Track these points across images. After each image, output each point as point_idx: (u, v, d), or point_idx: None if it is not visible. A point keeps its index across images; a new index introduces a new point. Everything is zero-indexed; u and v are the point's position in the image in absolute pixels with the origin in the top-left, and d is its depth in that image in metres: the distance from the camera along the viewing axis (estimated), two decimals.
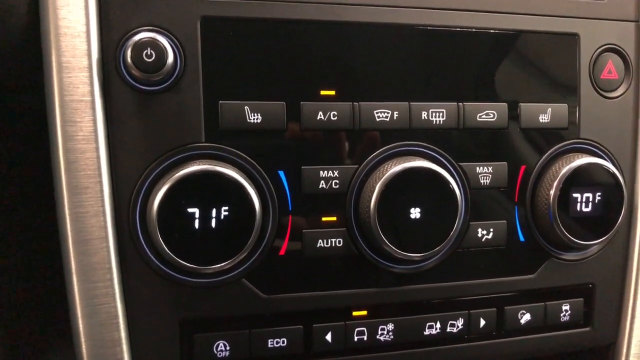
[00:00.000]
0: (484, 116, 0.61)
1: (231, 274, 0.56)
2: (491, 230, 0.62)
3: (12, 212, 0.68)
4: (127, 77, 0.52)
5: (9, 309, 0.70)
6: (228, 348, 0.57)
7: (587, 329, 0.68)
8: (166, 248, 0.52)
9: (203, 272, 0.54)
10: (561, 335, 0.67)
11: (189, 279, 0.55)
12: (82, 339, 0.54)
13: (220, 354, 0.57)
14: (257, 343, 0.58)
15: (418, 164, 0.58)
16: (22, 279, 0.71)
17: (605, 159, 0.64)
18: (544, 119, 0.64)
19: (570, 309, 0.66)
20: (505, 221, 0.63)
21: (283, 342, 0.58)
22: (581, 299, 0.67)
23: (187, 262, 0.53)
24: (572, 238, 0.62)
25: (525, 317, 0.65)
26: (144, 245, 0.54)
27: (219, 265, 0.53)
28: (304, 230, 0.58)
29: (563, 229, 0.62)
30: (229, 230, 0.54)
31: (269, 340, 0.58)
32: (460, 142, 0.61)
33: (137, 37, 0.52)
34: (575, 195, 0.63)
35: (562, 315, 0.66)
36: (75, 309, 0.53)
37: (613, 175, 0.63)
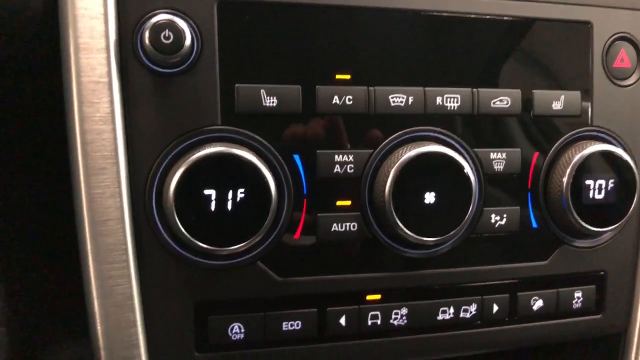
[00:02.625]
0: (497, 102, 0.62)
1: (246, 256, 0.56)
2: (504, 216, 0.62)
3: (28, 194, 0.68)
4: (144, 58, 0.52)
5: (23, 295, 0.70)
6: (243, 330, 0.57)
7: (599, 316, 0.68)
8: (182, 229, 0.52)
9: (218, 254, 0.54)
10: (573, 322, 0.67)
11: (204, 260, 0.55)
12: (97, 320, 0.54)
13: (235, 337, 0.57)
14: (272, 326, 0.58)
15: (433, 149, 0.58)
16: (37, 263, 0.71)
17: (617, 147, 0.64)
18: (557, 106, 0.64)
19: (582, 296, 0.66)
20: (518, 207, 0.63)
21: (297, 325, 0.58)
22: (593, 286, 0.67)
23: (203, 244, 0.53)
24: (584, 225, 0.62)
25: (538, 304, 0.65)
26: (160, 227, 0.54)
27: (234, 247, 0.53)
28: (318, 214, 0.58)
29: (576, 215, 0.62)
30: (244, 213, 0.54)
31: (284, 323, 0.58)
32: (475, 128, 0.61)
33: (155, 19, 0.52)
34: (588, 182, 0.63)
35: (574, 302, 0.66)
36: (90, 290, 0.54)
37: (625, 162, 0.63)
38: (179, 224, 0.52)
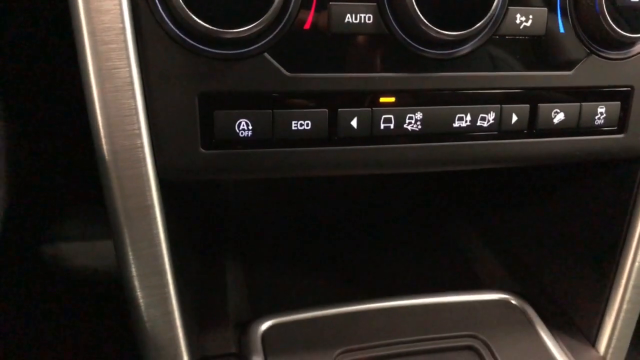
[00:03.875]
0: None
1: (253, 46, 0.52)
2: (530, 17, 0.57)
3: None
4: None
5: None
6: (250, 127, 0.54)
7: (621, 135, 0.65)
8: (182, 3, 0.47)
9: (222, 36, 0.49)
10: (593, 140, 0.64)
11: (208, 48, 0.51)
12: (97, 105, 0.51)
13: (242, 133, 0.54)
14: (281, 124, 0.55)
15: None
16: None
17: None
18: None
19: (606, 112, 0.63)
20: (545, 9, 0.58)
21: (307, 124, 0.55)
22: (618, 102, 0.63)
23: (205, 23, 0.49)
24: (618, 30, 0.58)
25: (559, 117, 0.62)
26: (158, 4, 0.49)
27: (238, 30, 0.49)
28: (331, 2, 0.53)
29: (609, 20, 0.58)
30: None
31: (293, 122, 0.55)
32: None
33: None
34: None
35: (596, 117, 0.63)
36: (88, 74, 0.50)
37: None
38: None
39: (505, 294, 0.81)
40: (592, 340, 0.77)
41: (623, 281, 0.73)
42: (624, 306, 0.73)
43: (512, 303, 0.80)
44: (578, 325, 0.79)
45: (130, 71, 0.50)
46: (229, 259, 0.89)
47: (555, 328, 0.77)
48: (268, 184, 1.07)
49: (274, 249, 0.97)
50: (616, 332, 0.74)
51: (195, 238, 0.82)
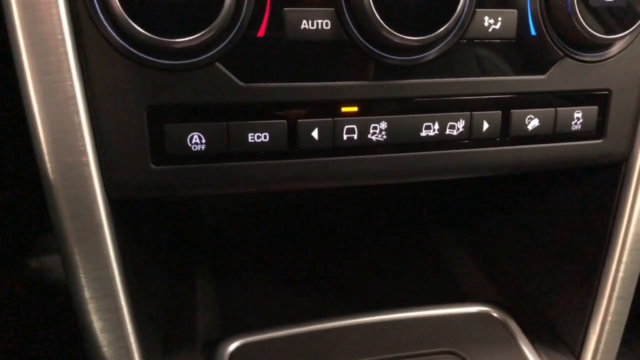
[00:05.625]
0: None
1: (203, 56, 0.49)
2: (499, 19, 0.55)
3: None
4: None
5: None
6: (204, 141, 0.51)
7: (600, 141, 0.62)
8: (124, 13, 0.45)
9: (169, 47, 0.46)
10: (571, 146, 0.61)
11: (155, 59, 0.48)
12: (38, 121, 0.48)
13: (195, 147, 0.51)
14: (236, 137, 0.52)
15: None
16: None
17: None
18: None
19: (583, 117, 0.60)
20: (515, 11, 0.55)
21: (265, 137, 0.53)
22: (595, 106, 0.61)
23: (150, 33, 0.46)
24: (591, 31, 0.55)
25: (533, 123, 0.59)
26: (99, 13, 0.46)
27: (187, 39, 0.46)
28: (285, 8, 0.50)
29: (582, 20, 0.55)
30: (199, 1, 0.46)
31: (249, 135, 0.52)
32: None
33: None
34: None
35: (573, 123, 0.60)
36: (27, 88, 0.47)
37: None
38: (120, 7, 0.45)
39: (486, 306, 0.78)
40: (576, 353, 0.73)
41: (607, 292, 0.70)
42: (609, 318, 0.70)
43: (493, 316, 0.77)
44: (562, 338, 0.76)
45: (72, 85, 0.48)
46: (199, 275, 0.86)
47: (537, 341, 0.74)
48: (240, 196, 1.04)
49: (247, 264, 0.94)
50: (601, 345, 0.71)
51: (161, 254, 0.79)
